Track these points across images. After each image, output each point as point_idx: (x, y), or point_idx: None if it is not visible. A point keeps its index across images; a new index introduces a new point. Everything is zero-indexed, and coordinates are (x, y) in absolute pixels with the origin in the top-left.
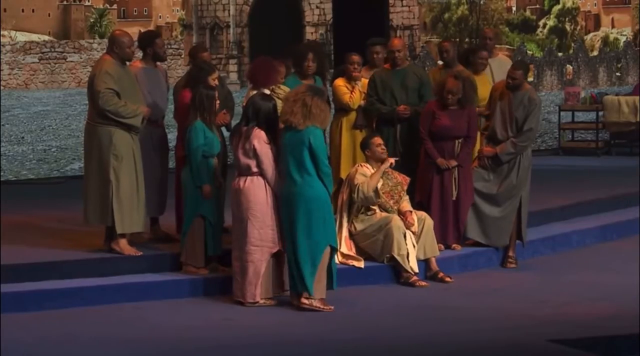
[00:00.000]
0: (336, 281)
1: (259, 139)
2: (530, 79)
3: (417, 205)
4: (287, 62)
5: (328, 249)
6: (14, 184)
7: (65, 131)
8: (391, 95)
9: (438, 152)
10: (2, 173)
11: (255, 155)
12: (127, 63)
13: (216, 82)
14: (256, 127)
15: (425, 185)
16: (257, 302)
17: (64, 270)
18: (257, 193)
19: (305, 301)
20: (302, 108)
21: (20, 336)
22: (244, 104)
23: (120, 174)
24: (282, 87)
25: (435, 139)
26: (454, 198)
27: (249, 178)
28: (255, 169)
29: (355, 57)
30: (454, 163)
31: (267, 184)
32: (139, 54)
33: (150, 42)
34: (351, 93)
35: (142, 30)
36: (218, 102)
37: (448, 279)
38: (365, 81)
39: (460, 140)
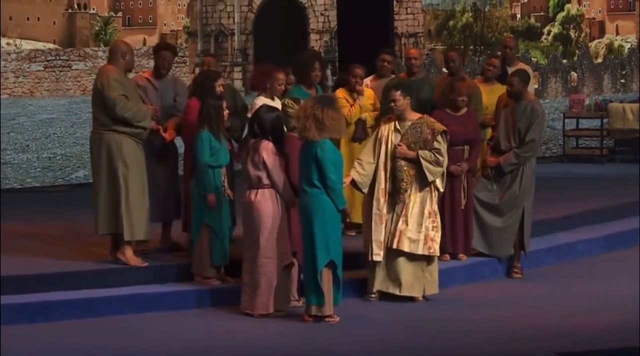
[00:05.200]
0: (342, 296)
1: (268, 151)
2: (535, 86)
3: None
4: (288, 70)
5: (330, 265)
6: (19, 192)
7: (70, 139)
8: None
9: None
10: (7, 182)
11: (265, 167)
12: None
13: (221, 88)
14: (264, 140)
15: None
16: (270, 314)
17: (69, 281)
18: (268, 205)
19: (309, 318)
20: (314, 122)
21: (25, 347)
22: (248, 115)
23: (129, 181)
24: (290, 102)
25: None
26: (462, 207)
27: (259, 190)
28: (265, 181)
29: (359, 70)
30: (466, 167)
31: (277, 196)
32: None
33: (155, 52)
34: (351, 106)
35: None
36: (227, 112)
37: (420, 299)
38: (368, 92)
39: (467, 147)
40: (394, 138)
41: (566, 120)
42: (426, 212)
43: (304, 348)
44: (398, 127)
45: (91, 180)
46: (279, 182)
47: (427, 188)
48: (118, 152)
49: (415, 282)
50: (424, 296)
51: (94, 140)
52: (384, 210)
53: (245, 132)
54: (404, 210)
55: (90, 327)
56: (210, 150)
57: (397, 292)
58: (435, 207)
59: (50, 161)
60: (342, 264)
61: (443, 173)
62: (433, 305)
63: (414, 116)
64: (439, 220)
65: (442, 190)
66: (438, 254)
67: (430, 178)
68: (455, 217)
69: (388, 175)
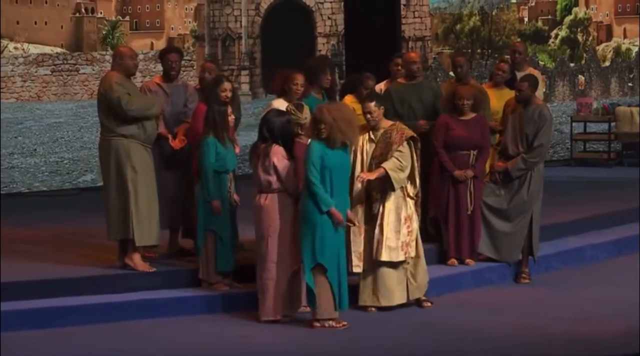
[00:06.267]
0: (346, 301)
1: (278, 155)
2: (543, 90)
3: (431, 220)
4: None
5: (319, 268)
6: (27, 196)
7: (77, 143)
8: (409, 109)
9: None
10: (15, 186)
11: (276, 172)
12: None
13: (227, 93)
14: (274, 144)
15: (441, 200)
16: (278, 320)
17: (77, 287)
18: (278, 210)
19: (317, 323)
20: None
21: (32, 353)
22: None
23: (138, 187)
24: (292, 108)
25: (450, 151)
26: (469, 212)
27: (269, 195)
28: (275, 186)
29: (371, 82)
30: (471, 173)
31: (287, 200)
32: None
33: (161, 58)
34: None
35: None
36: (232, 117)
37: (428, 304)
38: None
39: (474, 151)
40: (369, 148)
41: (574, 124)
42: (402, 218)
43: (316, 353)
44: (372, 136)
45: (99, 184)
46: (290, 186)
47: (401, 195)
48: (126, 158)
49: (400, 288)
50: (417, 300)
51: (102, 147)
52: (362, 221)
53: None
54: (380, 220)
55: (98, 333)
56: (215, 156)
57: (391, 303)
58: (410, 211)
59: (58, 165)
60: (340, 268)
61: (414, 178)
62: (440, 310)
63: (387, 124)
64: (413, 224)
65: (413, 195)
66: (412, 255)
67: (395, 186)
68: (461, 222)
69: (364, 186)
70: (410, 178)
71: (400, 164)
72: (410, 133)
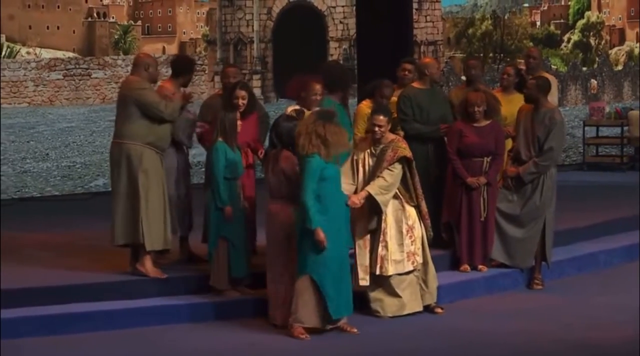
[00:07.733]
0: (337, 311)
1: (287, 161)
2: (556, 95)
3: (444, 226)
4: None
5: (304, 277)
6: (39, 201)
7: (89, 147)
8: (427, 115)
9: (465, 170)
10: (27, 190)
11: (285, 177)
12: (153, 84)
13: (240, 101)
14: (284, 149)
15: (454, 206)
16: (288, 325)
17: (88, 293)
18: (288, 215)
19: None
20: (319, 139)
21: None
22: None
23: (149, 191)
24: (294, 117)
25: (464, 157)
26: (482, 218)
27: (280, 200)
28: (285, 191)
29: (389, 91)
30: (483, 180)
31: (297, 206)
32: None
33: (190, 69)
34: None
35: (176, 54)
36: (240, 123)
37: (439, 310)
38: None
39: (488, 158)
40: (371, 162)
41: (586, 128)
42: (404, 231)
43: None
44: (373, 150)
45: (110, 189)
46: (298, 191)
47: (400, 207)
48: (139, 162)
49: (413, 298)
50: (429, 307)
51: (114, 150)
52: (365, 235)
53: None
54: (382, 236)
55: (109, 339)
56: (225, 161)
57: (403, 312)
58: (411, 221)
59: (70, 169)
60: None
61: (410, 192)
62: (453, 316)
63: (387, 139)
64: (416, 232)
65: (414, 203)
66: (421, 261)
67: (383, 208)
68: (474, 228)
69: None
70: (408, 191)
71: (386, 184)
72: (403, 153)
